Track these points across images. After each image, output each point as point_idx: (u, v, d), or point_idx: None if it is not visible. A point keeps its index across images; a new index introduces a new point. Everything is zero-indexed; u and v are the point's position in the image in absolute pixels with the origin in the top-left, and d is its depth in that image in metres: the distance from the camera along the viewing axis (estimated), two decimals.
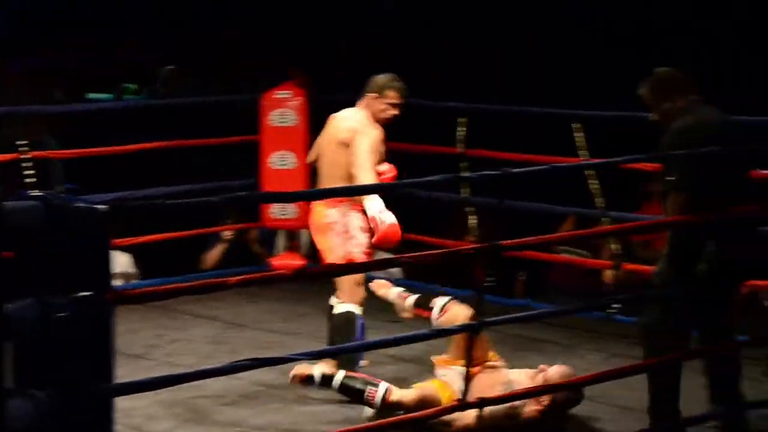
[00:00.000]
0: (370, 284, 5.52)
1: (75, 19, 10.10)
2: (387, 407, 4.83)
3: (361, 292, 5.54)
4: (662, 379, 4.73)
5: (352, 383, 4.95)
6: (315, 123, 7.58)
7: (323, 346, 5.50)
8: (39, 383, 3.13)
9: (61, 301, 3.12)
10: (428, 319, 5.18)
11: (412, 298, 5.37)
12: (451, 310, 5.14)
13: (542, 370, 4.95)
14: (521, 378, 4.93)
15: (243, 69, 9.93)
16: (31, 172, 6.74)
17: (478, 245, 4.57)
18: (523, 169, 4.54)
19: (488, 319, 4.18)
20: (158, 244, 7.36)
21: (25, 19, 9.77)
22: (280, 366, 5.07)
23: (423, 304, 5.32)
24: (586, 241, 7.45)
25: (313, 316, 6.67)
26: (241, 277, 3.63)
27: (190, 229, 7.47)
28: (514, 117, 7.71)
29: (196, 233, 7.55)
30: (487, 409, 4.24)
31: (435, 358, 5.09)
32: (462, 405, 4.13)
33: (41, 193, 3.22)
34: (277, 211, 7.59)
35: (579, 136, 6.80)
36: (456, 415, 4.47)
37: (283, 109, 7.57)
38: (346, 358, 5.27)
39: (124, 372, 5.18)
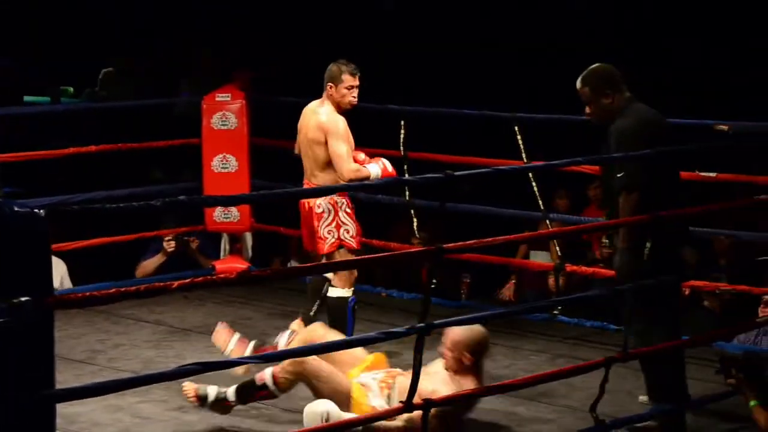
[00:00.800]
0: (213, 336, 5.45)
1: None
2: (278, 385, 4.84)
3: (352, 275, 5.73)
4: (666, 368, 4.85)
5: (241, 384, 4.92)
6: (256, 125, 7.58)
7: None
8: None
9: None
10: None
11: (251, 344, 5.37)
12: (302, 332, 5.15)
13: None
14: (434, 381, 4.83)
15: (183, 71, 9.88)
16: None
17: (422, 248, 4.58)
18: (465, 172, 4.56)
19: (434, 322, 4.18)
20: (97, 249, 7.29)
21: None
22: (226, 370, 5.08)
23: (264, 344, 5.40)
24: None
25: (258, 319, 6.65)
26: (184, 281, 3.60)
27: (130, 234, 7.41)
28: (455, 119, 7.75)
29: (137, 237, 7.48)
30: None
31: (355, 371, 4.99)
32: (407, 407, 4.13)
33: None
34: (220, 215, 7.57)
35: (520, 139, 6.84)
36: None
37: (224, 112, 7.54)
38: None
39: (66, 377, 5.14)
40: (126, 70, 9.94)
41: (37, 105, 9.86)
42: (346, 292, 5.73)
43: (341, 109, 5.75)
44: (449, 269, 7.44)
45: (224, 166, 7.50)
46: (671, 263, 4.84)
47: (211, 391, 4.95)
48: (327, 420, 4.55)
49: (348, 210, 5.73)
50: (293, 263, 7.68)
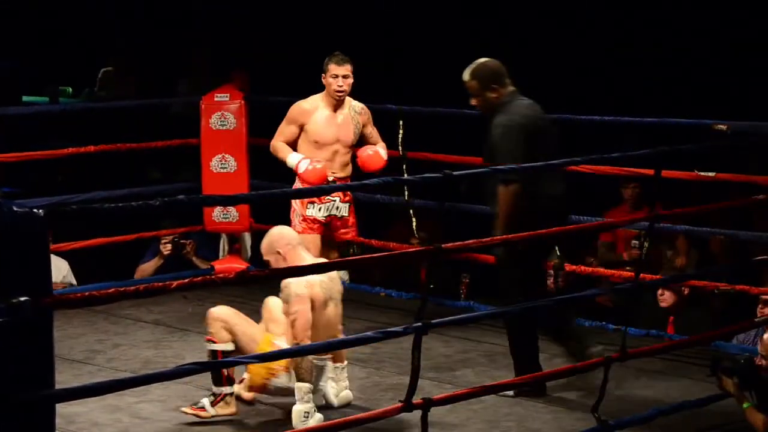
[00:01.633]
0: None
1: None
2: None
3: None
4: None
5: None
6: (255, 125, 7.58)
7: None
8: None
9: None
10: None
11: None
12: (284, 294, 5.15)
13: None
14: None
15: (182, 71, 9.88)
16: None
17: (421, 248, 4.58)
18: (464, 172, 4.57)
19: (432, 321, 4.19)
20: (97, 249, 7.28)
21: None
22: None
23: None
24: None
25: (257, 319, 6.64)
26: (183, 281, 3.60)
27: (129, 234, 7.41)
28: (454, 119, 7.74)
29: (136, 237, 7.48)
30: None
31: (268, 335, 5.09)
32: (407, 406, 4.14)
33: None
34: (219, 215, 7.57)
35: None
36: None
37: (223, 112, 7.54)
38: None
39: (65, 378, 5.14)
40: (125, 70, 9.95)
41: (35, 105, 9.86)
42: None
43: (332, 99, 5.91)
44: (448, 269, 7.44)
45: (223, 166, 7.50)
46: (541, 250, 5.28)
47: (205, 400, 5.01)
48: (307, 417, 4.85)
49: (301, 215, 6.07)
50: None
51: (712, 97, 8.39)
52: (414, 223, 7.28)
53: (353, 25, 9.89)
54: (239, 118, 7.52)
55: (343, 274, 7.60)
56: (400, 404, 4.14)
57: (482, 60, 5.28)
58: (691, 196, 7.26)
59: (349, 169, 6.15)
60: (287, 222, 6.06)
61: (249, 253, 7.79)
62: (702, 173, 6.44)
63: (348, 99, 6.08)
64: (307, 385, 4.91)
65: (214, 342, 5.00)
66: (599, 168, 6.56)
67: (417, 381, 4.11)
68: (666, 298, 6.79)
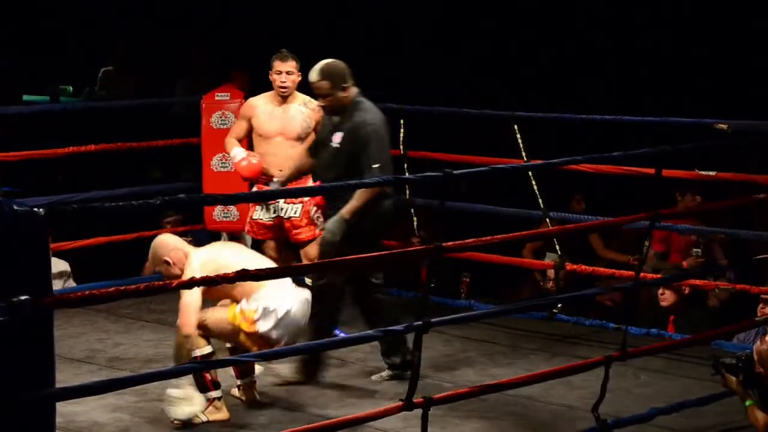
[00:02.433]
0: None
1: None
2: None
3: None
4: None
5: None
6: None
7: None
8: None
9: None
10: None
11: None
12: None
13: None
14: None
15: (183, 71, 9.89)
16: None
17: (421, 247, 4.58)
18: (464, 171, 4.57)
19: (433, 320, 4.19)
20: (97, 249, 7.28)
21: None
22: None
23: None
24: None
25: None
26: (184, 279, 3.60)
27: (130, 233, 7.41)
28: (454, 118, 7.75)
29: (136, 236, 7.48)
30: None
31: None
32: (407, 405, 4.14)
33: None
34: (219, 214, 7.57)
35: (519, 137, 6.84)
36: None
37: (224, 111, 7.54)
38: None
39: (66, 377, 5.14)
40: (125, 70, 9.95)
41: (36, 104, 9.86)
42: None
43: (277, 96, 6.06)
44: (449, 268, 7.44)
45: (224, 165, 7.50)
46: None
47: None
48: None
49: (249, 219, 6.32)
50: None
51: (712, 96, 8.39)
52: (414, 222, 7.28)
53: (353, 25, 9.90)
54: None
55: None
56: (400, 403, 4.14)
57: (328, 60, 5.38)
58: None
59: (304, 163, 6.06)
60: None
61: None
62: (703, 172, 6.44)
63: (300, 95, 6.13)
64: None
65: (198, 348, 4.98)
66: (600, 168, 6.57)
67: (417, 380, 4.11)
68: (666, 297, 6.79)
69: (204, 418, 4.95)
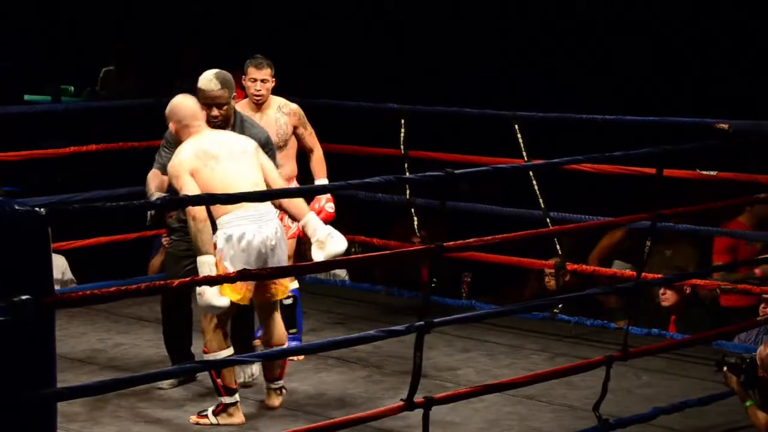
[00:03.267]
0: None
1: None
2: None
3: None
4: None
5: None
6: None
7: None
8: None
9: None
10: None
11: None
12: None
13: None
14: None
15: (181, 70, 9.87)
16: None
17: (422, 247, 4.58)
18: (466, 170, 4.56)
19: (434, 320, 4.19)
20: (98, 248, 7.28)
21: None
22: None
23: None
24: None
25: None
26: (185, 279, 3.60)
27: (131, 233, 7.40)
28: (455, 118, 7.74)
29: (137, 236, 7.48)
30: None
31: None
32: (409, 405, 4.14)
33: None
34: None
35: (520, 137, 6.84)
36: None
37: None
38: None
39: (67, 376, 5.14)
40: (126, 70, 9.94)
41: (37, 104, 9.86)
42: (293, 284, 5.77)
43: (252, 103, 5.88)
44: (450, 268, 7.44)
45: None
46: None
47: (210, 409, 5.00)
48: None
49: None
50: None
51: (713, 96, 8.39)
52: (415, 222, 7.28)
53: (353, 25, 9.89)
54: None
55: (342, 272, 7.62)
56: (401, 403, 4.14)
57: (217, 70, 5.30)
58: (693, 195, 7.25)
59: (286, 170, 5.97)
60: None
61: None
62: (704, 172, 6.44)
63: (277, 100, 5.97)
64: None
65: (206, 352, 4.99)
66: (601, 167, 6.56)
67: (419, 380, 4.11)
68: (668, 297, 6.79)
69: (213, 421, 4.95)
